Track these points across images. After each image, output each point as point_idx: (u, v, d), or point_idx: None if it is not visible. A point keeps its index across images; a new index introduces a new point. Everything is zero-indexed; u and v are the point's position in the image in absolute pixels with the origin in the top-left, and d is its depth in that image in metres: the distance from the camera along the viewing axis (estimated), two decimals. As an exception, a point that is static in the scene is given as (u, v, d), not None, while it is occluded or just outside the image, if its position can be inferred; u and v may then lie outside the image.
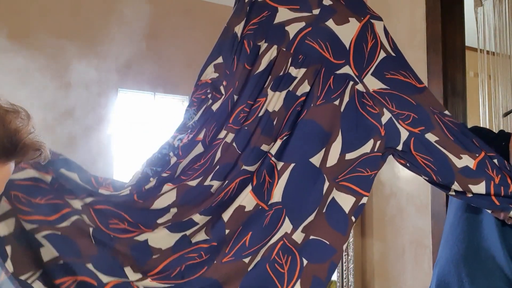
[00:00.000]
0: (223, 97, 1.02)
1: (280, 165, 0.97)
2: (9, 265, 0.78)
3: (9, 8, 2.81)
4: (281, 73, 1.03)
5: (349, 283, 2.16)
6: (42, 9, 2.88)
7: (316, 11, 1.06)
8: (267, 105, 1.01)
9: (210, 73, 1.05)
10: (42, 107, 2.78)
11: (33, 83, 2.79)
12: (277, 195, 0.96)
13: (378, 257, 2.10)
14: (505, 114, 1.94)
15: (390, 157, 1.07)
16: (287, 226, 0.95)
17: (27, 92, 2.77)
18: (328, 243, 0.95)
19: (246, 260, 0.92)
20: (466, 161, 0.99)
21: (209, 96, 1.04)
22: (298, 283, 0.92)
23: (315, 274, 0.94)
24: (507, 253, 1.06)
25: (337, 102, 1.02)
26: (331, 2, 1.07)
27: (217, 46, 1.08)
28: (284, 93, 1.02)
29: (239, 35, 1.06)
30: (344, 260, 2.19)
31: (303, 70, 1.03)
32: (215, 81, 1.04)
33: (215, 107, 1.02)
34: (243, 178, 0.98)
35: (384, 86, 1.04)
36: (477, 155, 1.00)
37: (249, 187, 0.96)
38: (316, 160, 0.99)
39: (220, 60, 1.06)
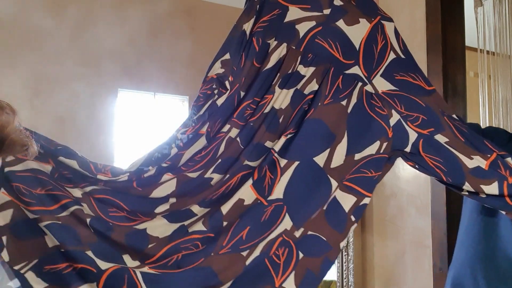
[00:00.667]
0: (228, 92, 1.03)
1: (283, 162, 0.97)
2: (5, 254, 0.79)
3: (13, 14, 2.81)
4: (290, 71, 1.03)
5: (349, 283, 2.16)
6: (41, 9, 2.88)
7: (327, 11, 1.06)
8: (274, 102, 1.01)
9: (217, 69, 1.06)
10: (42, 107, 2.78)
11: (33, 83, 2.79)
12: (278, 192, 0.96)
13: (378, 257, 2.10)
14: None
15: (390, 157, 1.06)
16: (287, 223, 0.96)
17: (28, 92, 2.77)
18: (324, 239, 0.96)
19: (244, 253, 0.92)
20: (477, 161, 0.98)
21: (215, 91, 1.04)
22: (292, 275, 0.93)
23: (309, 267, 0.94)
24: None
25: (344, 103, 1.02)
26: (342, 3, 1.07)
27: (225, 43, 1.08)
28: (292, 91, 1.02)
29: (248, 32, 1.06)
30: (344, 260, 2.19)
31: (312, 69, 1.03)
32: (221, 77, 1.05)
33: (220, 101, 1.02)
34: (245, 173, 0.98)
35: (393, 88, 1.04)
36: (489, 155, 0.99)
37: (250, 181, 0.96)
38: (320, 159, 0.99)
39: (227, 56, 1.07)
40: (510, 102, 2.28)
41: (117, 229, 0.88)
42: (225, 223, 0.93)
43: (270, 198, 0.96)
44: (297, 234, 0.95)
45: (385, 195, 2.04)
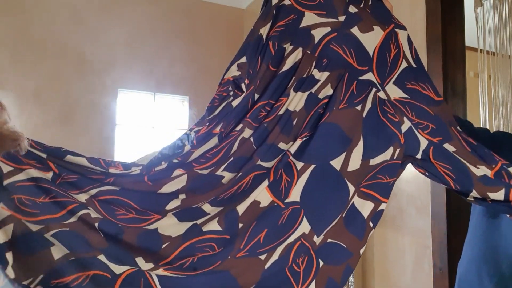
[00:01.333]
0: (243, 94, 1.03)
1: (300, 165, 0.97)
2: (10, 271, 0.77)
3: (10, 6, 2.81)
4: (305, 75, 1.04)
5: (349, 283, 2.16)
6: (41, 8, 2.88)
7: (341, 18, 1.08)
8: (288, 105, 1.01)
9: (233, 72, 1.06)
10: (42, 107, 2.78)
11: (33, 83, 2.79)
12: (295, 195, 0.96)
13: (378, 257, 2.10)
14: None
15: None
16: (305, 227, 0.95)
17: (27, 93, 2.77)
18: (345, 246, 0.96)
19: (262, 257, 0.91)
20: (483, 171, 1.00)
21: (231, 93, 1.05)
22: (313, 284, 0.92)
23: (330, 275, 0.94)
24: None
25: (359, 108, 1.03)
26: (356, 10, 1.09)
27: (242, 47, 1.08)
28: (306, 94, 1.03)
29: (264, 36, 1.07)
30: (344, 260, 2.19)
31: (326, 74, 1.04)
32: (237, 79, 1.06)
33: (235, 103, 1.03)
34: (258, 173, 0.98)
35: (405, 95, 1.05)
36: (494, 166, 1.01)
37: (266, 183, 0.96)
38: (336, 163, 0.99)
39: (244, 59, 1.06)
40: (510, 103, 2.28)
41: (128, 230, 0.86)
42: (240, 225, 0.92)
43: (287, 200, 0.95)
44: (317, 241, 0.95)
45: (385, 195, 2.04)
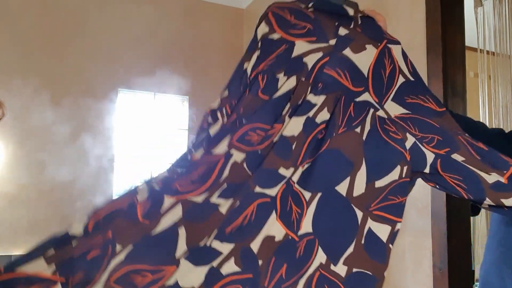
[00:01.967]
0: (221, 120, 1.02)
1: (307, 195, 0.96)
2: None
3: (11, 10, 2.81)
4: (300, 101, 1.03)
5: (349, 283, 2.16)
6: (42, 10, 2.88)
7: (332, 41, 1.07)
8: (283, 130, 0.99)
9: (215, 105, 1.06)
10: (42, 107, 2.78)
11: (33, 83, 2.79)
12: (306, 226, 0.94)
13: (378, 257, 2.10)
14: None
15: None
16: (321, 257, 0.94)
17: (27, 92, 2.77)
18: (370, 273, 0.95)
19: None
20: (495, 177, 0.99)
21: (209, 121, 1.04)
22: None
23: None
24: None
25: (358, 130, 1.01)
26: (347, 31, 1.08)
27: (228, 82, 1.08)
28: (303, 118, 1.01)
29: (249, 71, 1.06)
30: (344, 260, 2.19)
31: (322, 97, 1.03)
32: (214, 109, 1.05)
33: (212, 131, 1.01)
34: (262, 201, 0.95)
35: (405, 111, 1.04)
36: (505, 171, 0.99)
37: (274, 215, 0.93)
38: (342, 188, 0.98)
39: (226, 93, 1.06)
40: (510, 103, 2.28)
41: None
42: (260, 262, 0.90)
43: (300, 233, 0.94)
44: (342, 272, 0.94)
45: (385, 195, 2.04)
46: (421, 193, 1.86)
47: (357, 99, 1.04)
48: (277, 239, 0.93)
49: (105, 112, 2.91)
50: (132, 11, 3.07)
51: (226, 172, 0.96)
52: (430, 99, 1.06)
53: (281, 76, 1.05)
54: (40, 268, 0.81)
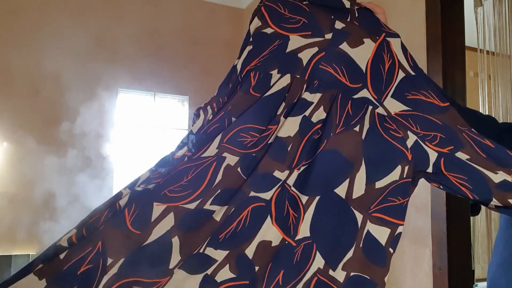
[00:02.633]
0: (202, 118, 0.98)
1: (304, 198, 0.92)
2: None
3: (12, 13, 2.81)
4: (295, 100, 0.98)
5: (349, 283, 2.16)
6: (42, 9, 2.88)
7: (328, 36, 1.03)
8: (278, 131, 0.96)
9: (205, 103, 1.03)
10: (41, 106, 2.78)
11: (34, 84, 2.79)
12: (304, 230, 0.91)
13: (378, 257, 2.10)
14: None
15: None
16: (319, 262, 0.91)
17: (27, 92, 2.77)
18: (369, 278, 0.91)
19: None
20: (502, 175, 0.93)
21: (194, 120, 1.02)
22: None
23: None
24: None
25: (357, 129, 0.97)
26: (343, 25, 1.03)
27: (222, 81, 1.06)
28: (299, 118, 0.97)
29: (238, 67, 1.03)
30: (344, 260, 2.19)
31: (318, 95, 0.99)
32: (198, 109, 1.03)
33: (195, 128, 0.98)
34: (256, 205, 0.92)
35: (406, 108, 0.99)
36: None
37: (269, 219, 0.90)
38: (341, 191, 0.94)
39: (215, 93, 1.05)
40: (510, 102, 2.28)
41: None
42: (257, 268, 0.88)
43: (297, 238, 0.90)
44: (341, 277, 0.90)
45: (385, 195, 2.04)
46: (421, 193, 1.86)
47: (355, 96, 1.00)
48: (273, 244, 0.90)
49: (105, 112, 2.91)
50: (132, 11, 3.07)
51: (219, 176, 0.93)
52: (432, 94, 1.01)
53: (274, 73, 1.01)
54: (32, 284, 0.79)
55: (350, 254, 0.91)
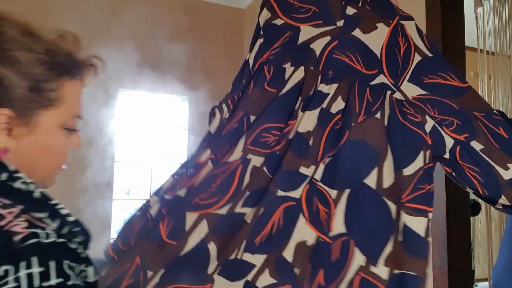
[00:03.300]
0: (221, 117, 0.97)
1: (333, 193, 0.89)
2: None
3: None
4: (311, 93, 0.96)
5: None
6: (43, 8, 2.88)
7: (340, 23, 1.00)
8: (297, 127, 0.94)
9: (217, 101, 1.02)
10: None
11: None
12: (338, 226, 0.87)
13: (378, 257, 2.09)
14: None
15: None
16: (360, 259, 0.87)
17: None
18: (414, 273, 0.88)
19: None
20: None
21: (211, 119, 0.99)
22: None
23: None
24: None
25: (378, 115, 0.94)
26: (355, 10, 1.01)
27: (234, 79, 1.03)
28: (317, 111, 0.95)
29: (251, 61, 1.01)
30: (344, 260, 2.18)
31: (335, 86, 0.96)
32: (213, 108, 1.00)
33: (212, 128, 0.97)
34: (287, 205, 0.90)
35: (423, 92, 0.96)
36: None
37: (302, 218, 0.88)
38: (370, 181, 0.91)
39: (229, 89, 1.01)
40: (510, 102, 2.28)
41: None
42: (297, 271, 0.85)
43: (331, 234, 0.87)
44: (384, 274, 0.87)
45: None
46: (421, 193, 1.85)
47: (372, 83, 0.97)
48: (309, 243, 0.87)
49: (105, 112, 2.91)
50: (132, 11, 3.07)
51: (247, 179, 0.92)
52: (452, 75, 0.97)
53: (287, 66, 0.99)
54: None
55: (389, 247, 0.88)
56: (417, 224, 0.89)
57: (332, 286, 0.85)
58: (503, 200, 0.91)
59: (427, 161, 0.92)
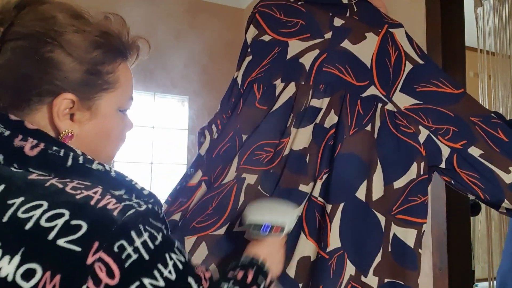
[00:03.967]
0: (208, 139, 0.96)
1: (329, 207, 0.89)
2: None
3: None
4: (303, 108, 0.95)
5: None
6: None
7: (328, 35, 0.98)
8: (292, 144, 0.93)
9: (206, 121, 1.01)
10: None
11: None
12: (334, 241, 0.88)
13: (378, 257, 2.09)
14: None
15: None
16: (350, 269, 0.88)
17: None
18: (402, 283, 0.89)
19: None
20: None
21: (201, 140, 0.99)
22: None
23: None
24: None
25: (368, 128, 0.94)
26: (343, 21, 0.99)
27: (223, 96, 1.01)
28: (311, 127, 0.94)
29: (239, 80, 0.99)
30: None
31: (326, 100, 0.95)
32: (202, 128, 1.00)
33: (203, 150, 0.96)
34: None
35: (416, 102, 0.95)
36: None
37: (302, 235, 0.88)
38: (361, 194, 0.91)
39: (217, 108, 1.00)
40: (510, 102, 2.28)
41: None
42: (300, 285, 0.87)
43: (328, 250, 0.88)
44: (373, 283, 0.88)
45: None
46: (421, 193, 1.86)
47: (363, 95, 0.96)
48: (312, 258, 0.88)
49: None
50: (131, 11, 3.07)
51: (242, 197, 0.91)
52: (445, 81, 0.95)
53: (278, 83, 0.97)
54: None
55: (378, 258, 0.89)
56: (407, 235, 0.90)
57: None
58: (506, 204, 0.90)
59: (421, 173, 0.92)
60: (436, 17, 1.79)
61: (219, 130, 0.98)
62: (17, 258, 0.47)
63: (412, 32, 1.95)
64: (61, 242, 0.48)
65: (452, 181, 0.94)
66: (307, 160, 0.92)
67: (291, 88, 0.96)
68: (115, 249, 0.49)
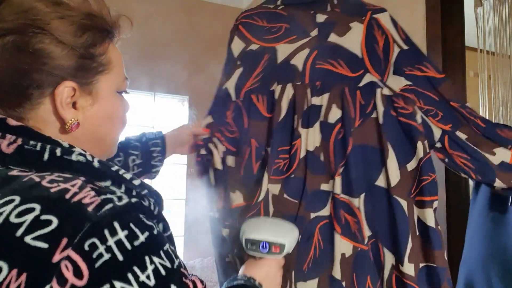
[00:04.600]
0: (216, 152, 0.97)
1: (355, 201, 0.92)
2: None
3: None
4: (305, 107, 0.96)
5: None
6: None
7: (314, 32, 0.99)
8: (306, 145, 0.94)
9: (202, 134, 1.00)
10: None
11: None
12: (367, 231, 0.92)
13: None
14: None
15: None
16: (389, 257, 0.91)
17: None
18: (436, 265, 0.91)
19: None
20: (501, 156, 0.92)
21: (207, 157, 0.99)
22: None
23: None
24: None
25: (374, 115, 0.96)
26: (326, 16, 1.00)
27: (210, 108, 1.01)
28: (317, 125, 0.95)
29: (232, 92, 1.00)
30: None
31: (326, 96, 0.96)
32: (205, 139, 0.99)
33: (217, 164, 0.97)
34: (321, 225, 0.92)
35: (408, 82, 0.97)
36: (510, 146, 0.92)
37: (336, 235, 0.90)
38: (381, 182, 0.93)
39: (209, 119, 1.01)
40: (510, 102, 2.28)
41: None
42: (344, 283, 0.89)
43: (366, 241, 0.91)
44: (411, 271, 0.89)
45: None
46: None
47: (361, 84, 0.97)
48: (347, 255, 0.89)
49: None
50: (131, 11, 3.07)
51: (271, 209, 0.93)
52: (428, 65, 0.98)
53: (275, 87, 0.98)
54: None
55: (410, 244, 0.90)
56: (427, 216, 0.91)
57: (378, 286, 0.89)
58: (498, 183, 0.93)
59: (427, 151, 0.94)
60: (436, 17, 1.79)
61: (228, 138, 0.98)
62: None
63: (412, 32, 1.95)
64: (28, 238, 0.45)
65: (446, 159, 0.97)
66: (322, 158, 0.94)
67: (289, 89, 0.97)
68: (86, 247, 0.46)
